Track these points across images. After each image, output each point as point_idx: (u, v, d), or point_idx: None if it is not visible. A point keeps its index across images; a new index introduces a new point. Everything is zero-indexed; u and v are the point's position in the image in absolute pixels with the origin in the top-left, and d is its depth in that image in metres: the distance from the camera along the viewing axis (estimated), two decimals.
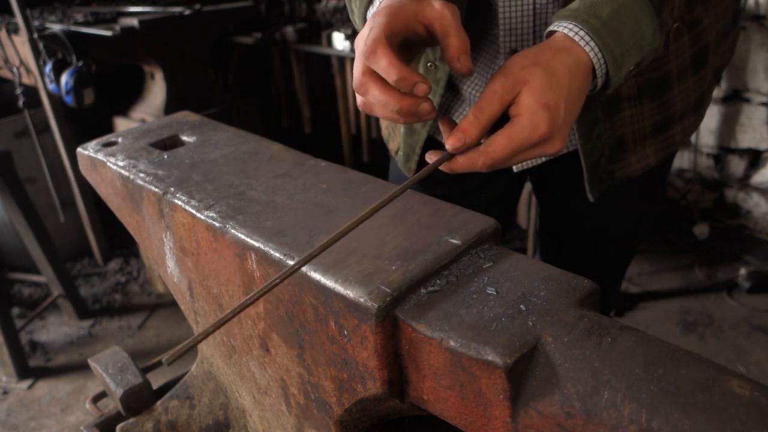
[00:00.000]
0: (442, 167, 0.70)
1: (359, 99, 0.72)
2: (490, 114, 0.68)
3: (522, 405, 0.53)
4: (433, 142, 1.10)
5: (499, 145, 0.68)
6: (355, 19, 0.86)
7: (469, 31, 0.99)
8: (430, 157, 0.70)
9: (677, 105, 1.01)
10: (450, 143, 0.68)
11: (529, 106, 0.67)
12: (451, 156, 0.69)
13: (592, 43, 0.71)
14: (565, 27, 0.72)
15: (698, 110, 1.06)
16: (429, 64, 0.99)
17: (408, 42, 0.71)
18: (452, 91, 1.06)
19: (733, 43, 1.09)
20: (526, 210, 2.81)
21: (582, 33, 0.71)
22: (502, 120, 0.69)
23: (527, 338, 0.53)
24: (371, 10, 0.80)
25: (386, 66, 0.65)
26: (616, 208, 1.10)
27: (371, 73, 0.67)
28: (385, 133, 1.21)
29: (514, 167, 1.06)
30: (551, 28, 0.74)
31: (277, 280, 0.58)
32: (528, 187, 2.19)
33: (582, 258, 1.23)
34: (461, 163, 0.69)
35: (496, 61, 0.98)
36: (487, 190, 1.14)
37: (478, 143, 0.69)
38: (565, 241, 1.25)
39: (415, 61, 1.00)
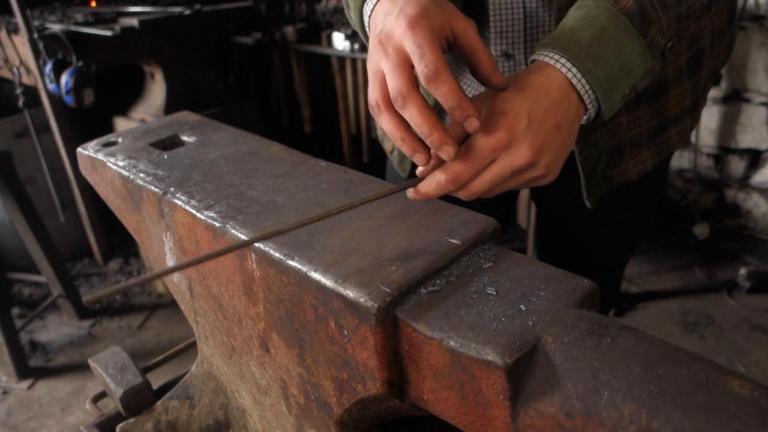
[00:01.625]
0: (414, 197, 0.70)
1: (376, 100, 0.69)
2: (454, 133, 0.67)
3: (522, 405, 0.53)
4: None
5: (458, 159, 0.66)
6: (350, 14, 0.85)
7: None
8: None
9: (673, 109, 1.01)
10: (419, 166, 0.69)
11: (486, 115, 0.67)
12: (419, 180, 0.69)
13: (574, 69, 0.70)
14: (546, 55, 0.71)
15: (693, 113, 1.06)
16: None
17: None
18: None
19: (730, 45, 1.09)
20: (526, 210, 2.81)
21: (563, 60, 0.70)
22: None
23: (527, 338, 0.53)
24: (368, 6, 0.78)
25: (448, 92, 0.63)
26: (613, 211, 1.10)
27: (416, 90, 0.66)
28: (380, 132, 1.21)
29: None
30: (532, 57, 0.73)
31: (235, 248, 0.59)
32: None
33: (580, 259, 1.23)
34: (427, 184, 0.68)
35: None
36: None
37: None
38: (562, 242, 1.25)
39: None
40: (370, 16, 0.76)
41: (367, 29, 0.81)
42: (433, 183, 0.68)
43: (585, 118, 0.75)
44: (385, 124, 0.68)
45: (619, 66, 0.72)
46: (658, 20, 0.74)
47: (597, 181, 1.02)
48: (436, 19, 0.65)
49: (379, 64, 0.67)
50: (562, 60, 0.70)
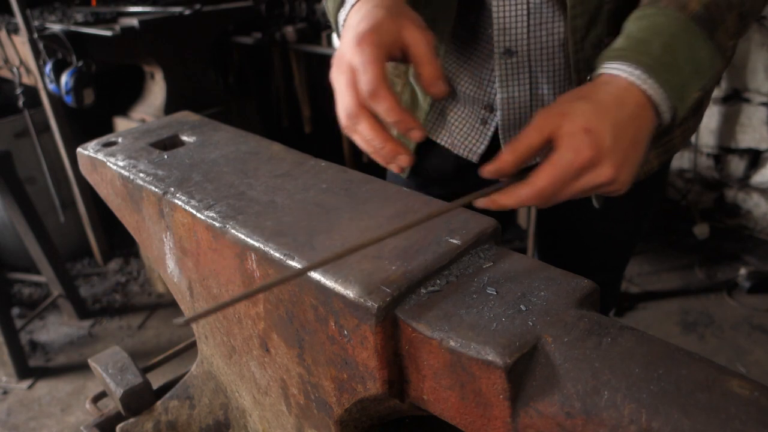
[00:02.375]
0: (489, 205, 0.70)
1: (344, 122, 0.72)
2: (528, 144, 0.68)
3: (522, 405, 0.53)
4: (427, 142, 1.10)
5: (542, 174, 0.68)
6: (330, 18, 0.87)
7: (463, 30, 0.99)
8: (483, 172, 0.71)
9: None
10: (485, 170, 0.70)
11: (569, 132, 0.67)
12: (496, 188, 0.70)
13: (650, 81, 0.70)
14: (617, 68, 0.71)
15: (697, 113, 1.07)
16: None
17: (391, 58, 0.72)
18: None
19: (734, 45, 1.09)
20: (526, 210, 2.81)
21: (638, 72, 0.70)
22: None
23: (527, 338, 0.53)
24: (342, 13, 0.80)
25: (387, 108, 0.66)
26: (615, 211, 1.10)
27: (364, 108, 0.68)
28: None
29: None
30: (599, 71, 0.74)
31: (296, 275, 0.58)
32: None
33: (581, 258, 1.23)
34: (506, 197, 0.69)
35: (489, 60, 0.99)
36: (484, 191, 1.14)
37: (519, 175, 0.70)
38: (563, 242, 1.25)
39: (405, 64, 1.02)
40: (343, 26, 0.78)
41: (338, 37, 0.83)
42: (514, 197, 0.69)
43: (657, 124, 0.75)
44: (364, 130, 0.71)
45: (691, 71, 0.72)
46: (723, 22, 0.74)
47: None
48: (385, 35, 0.68)
49: (336, 82, 0.71)
50: (637, 72, 0.70)
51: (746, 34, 0.96)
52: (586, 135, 0.66)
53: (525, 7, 0.92)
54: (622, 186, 0.71)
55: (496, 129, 1.04)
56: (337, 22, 0.83)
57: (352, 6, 0.78)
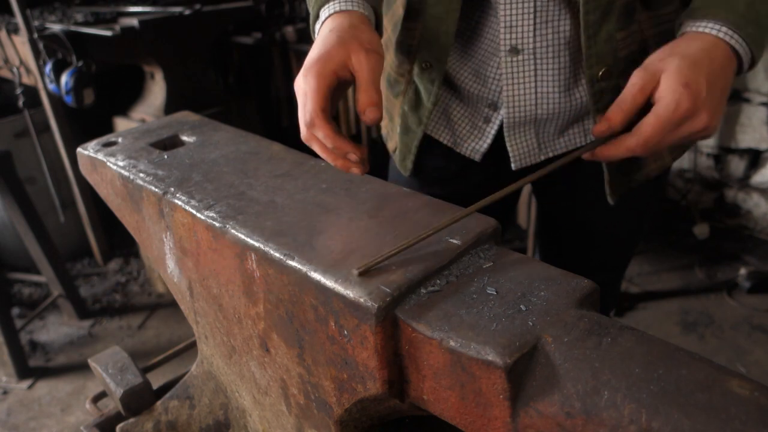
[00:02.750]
0: (596, 157, 0.80)
1: (303, 133, 0.79)
2: (632, 103, 0.77)
3: (522, 405, 0.53)
4: (429, 141, 1.11)
5: (647, 125, 0.76)
6: (310, 26, 0.91)
7: (467, 28, 1.00)
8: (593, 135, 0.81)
9: None
10: (596, 129, 0.79)
11: (669, 86, 0.75)
12: (600, 142, 0.80)
13: (736, 36, 0.78)
14: (704, 26, 0.79)
15: None
16: (424, 64, 1.00)
17: (342, 81, 0.78)
18: (450, 87, 1.07)
19: None
20: (526, 210, 2.81)
21: (725, 29, 0.78)
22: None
23: (527, 338, 0.53)
24: (317, 25, 0.86)
25: (324, 137, 0.74)
26: (617, 209, 1.10)
27: (313, 134, 0.76)
28: (384, 132, 1.22)
29: (513, 165, 1.06)
30: (685, 29, 0.82)
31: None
32: (528, 187, 2.19)
33: (582, 258, 1.23)
34: (614, 149, 0.79)
35: (493, 58, 0.99)
36: (485, 191, 1.14)
37: (625, 131, 0.78)
38: (564, 241, 1.25)
39: (409, 64, 1.04)
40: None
41: None
42: (621, 147, 0.79)
43: (737, 71, 0.83)
44: (317, 150, 0.78)
45: (767, 24, 0.81)
46: None
47: (619, 178, 1.03)
48: (330, 63, 0.74)
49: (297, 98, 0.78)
50: (724, 29, 0.78)
51: None
52: (685, 89, 0.74)
53: (532, 5, 0.92)
54: (713, 131, 0.79)
55: (499, 127, 1.04)
56: (313, 31, 0.88)
57: (323, 22, 0.84)
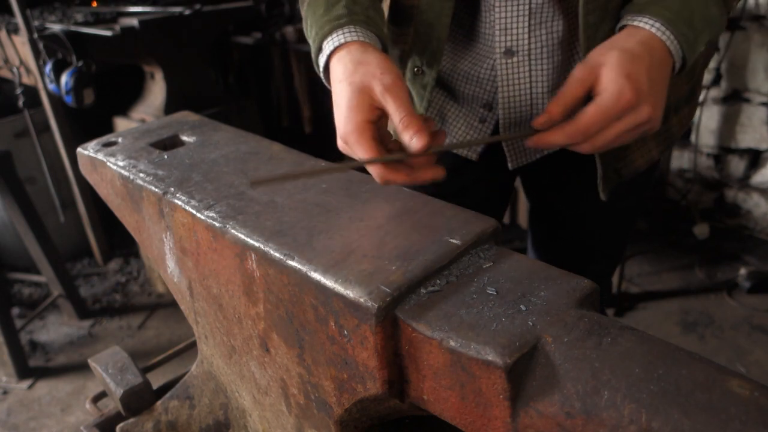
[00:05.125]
0: (537, 144, 0.79)
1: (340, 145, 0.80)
2: (571, 95, 0.77)
3: (522, 405, 0.53)
4: None
5: (587, 113, 0.75)
6: (309, 42, 0.90)
7: (460, 31, 1.00)
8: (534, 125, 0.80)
9: (670, 98, 1.03)
10: (537, 121, 0.78)
11: (610, 78, 0.75)
12: (535, 131, 0.79)
13: (668, 33, 0.78)
14: (641, 21, 0.80)
15: (691, 101, 1.09)
16: (416, 69, 1.01)
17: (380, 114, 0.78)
18: (445, 90, 1.07)
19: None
20: (527, 210, 2.81)
21: (657, 24, 0.79)
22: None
23: (527, 338, 0.53)
24: (321, 59, 0.85)
25: (402, 181, 0.74)
26: (608, 202, 1.11)
27: (359, 135, 0.75)
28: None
29: (509, 164, 1.07)
30: (623, 23, 0.82)
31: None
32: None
33: (573, 249, 1.23)
34: (552, 135, 0.78)
35: (487, 59, 0.99)
36: (479, 189, 1.15)
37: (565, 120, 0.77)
38: (555, 234, 1.25)
39: (401, 69, 1.04)
40: (327, 68, 0.85)
41: (323, 80, 0.89)
42: (560, 133, 0.77)
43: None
44: (359, 156, 0.77)
45: (702, 26, 0.81)
46: None
47: (610, 173, 1.03)
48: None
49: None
50: (657, 25, 0.79)
51: None
52: (627, 80, 0.74)
53: (527, 7, 0.92)
54: (656, 124, 0.78)
55: (494, 127, 1.04)
56: (317, 64, 0.87)
57: (330, 56, 0.83)
